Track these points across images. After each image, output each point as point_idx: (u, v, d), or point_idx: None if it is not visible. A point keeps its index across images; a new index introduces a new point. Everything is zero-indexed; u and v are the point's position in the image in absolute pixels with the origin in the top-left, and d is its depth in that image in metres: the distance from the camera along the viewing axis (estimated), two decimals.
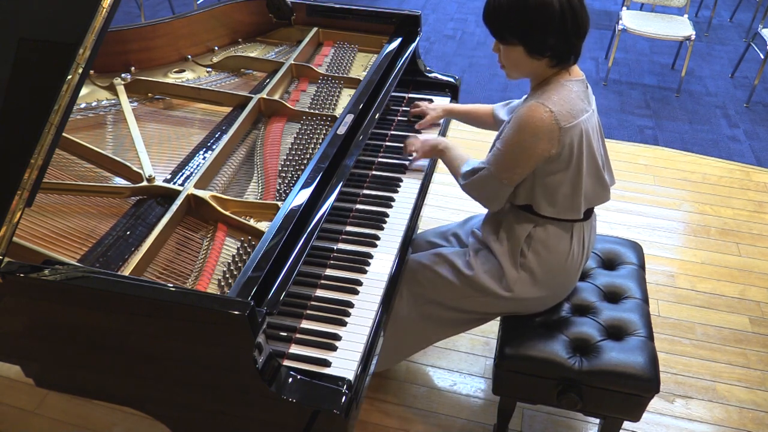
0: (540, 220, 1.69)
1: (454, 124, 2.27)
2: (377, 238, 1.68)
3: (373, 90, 1.89)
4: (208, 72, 2.13)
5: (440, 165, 1.98)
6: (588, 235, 1.77)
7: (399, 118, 2.18)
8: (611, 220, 3.02)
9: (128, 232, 1.49)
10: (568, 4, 1.45)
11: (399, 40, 2.15)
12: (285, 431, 1.30)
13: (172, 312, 1.21)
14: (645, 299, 1.87)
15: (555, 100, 1.51)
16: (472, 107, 2.08)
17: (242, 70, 2.16)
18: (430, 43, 4.85)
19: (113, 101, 1.94)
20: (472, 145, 3.49)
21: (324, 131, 1.84)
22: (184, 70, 2.11)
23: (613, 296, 1.88)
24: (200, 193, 1.56)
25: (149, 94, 2.00)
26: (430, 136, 1.99)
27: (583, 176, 1.61)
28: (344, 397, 1.26)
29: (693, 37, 4.07)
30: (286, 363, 1.33)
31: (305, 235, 1.42)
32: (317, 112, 1.91)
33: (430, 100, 2.26)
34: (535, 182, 1.63)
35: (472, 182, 1.69)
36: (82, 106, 1.89)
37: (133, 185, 1.61)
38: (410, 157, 1.96)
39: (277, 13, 2.31)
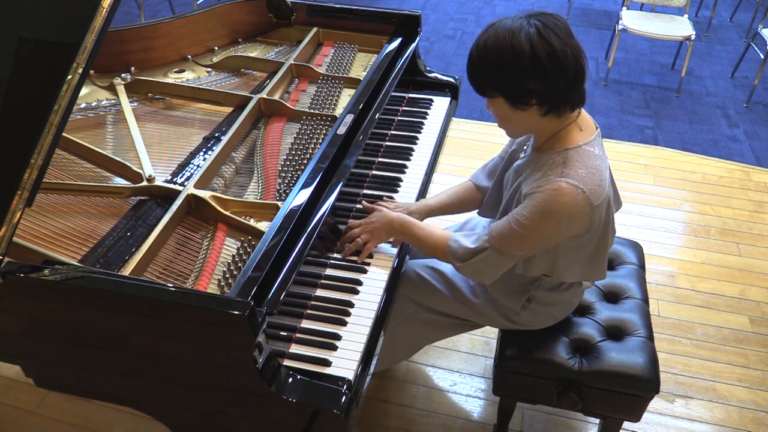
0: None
1: (454, 123, 2.26)
2: None
3: (373, 90, 1.89)
4: (208, 72, 2.13)
5: (439, 166, 1.95)
6: None
7: (399, 118, 2.18)
8: None
9: (128, 233, 1.49)
10: (540, 41, 1.28)
11: (399, 40, 2.15)
12: (285, 431, 1.30)
13: (172, 312, 1.21)
14: (645, 299, 1.87)
15: (583, 176, 1.36)
16: (449, 197, 1.83)
17: (242, 70, 2.16)
18: (430, 43, 4.85)
19: (113, 101, 1.93)
20: (473, 146, 3.48)
21: (324, 131, 1.84)
22: (184, 70, 2.11)
23: (613, 296, 1.88)
24: (200, 193, 1.56)
25: (149, 94, 2.00)
26: (383, 212, 1.65)
27: (609, 238, 1.52)
28: (344, 397, 1.26)
29: (693, 37, 4.07)
30: (286, 363, 1.33)
31: (305, 235, 1.42)
32: (317, 112, 1.91)
33: (431, 101, 2.26)
34: (558, 254, 1.50)
35: (473, 264, 1.52)
36: (82, 106, 1.89)
37: (133, 185, 1.61)
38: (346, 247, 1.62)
39: (277, 13, 2.31)
